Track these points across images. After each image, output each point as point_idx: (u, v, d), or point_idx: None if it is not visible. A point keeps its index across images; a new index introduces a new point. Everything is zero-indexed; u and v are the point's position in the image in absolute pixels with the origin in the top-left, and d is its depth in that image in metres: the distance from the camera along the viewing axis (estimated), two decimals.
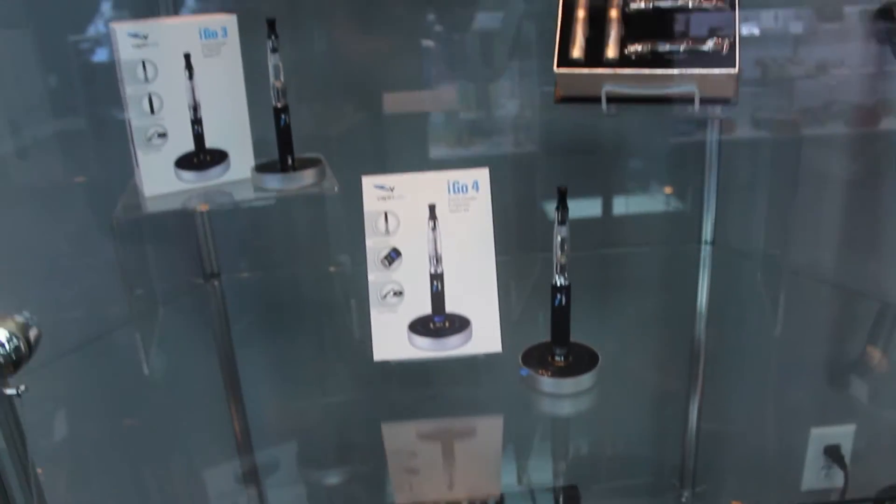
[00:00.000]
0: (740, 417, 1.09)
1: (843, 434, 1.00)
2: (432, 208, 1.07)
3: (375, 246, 1.08)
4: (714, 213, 1.47)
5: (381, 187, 1.08)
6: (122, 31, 1.09)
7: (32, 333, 0.75)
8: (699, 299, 1.36)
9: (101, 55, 1.26)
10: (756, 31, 1.31)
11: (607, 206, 1.54)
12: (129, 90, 1.11)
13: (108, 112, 1.27)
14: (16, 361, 0.73)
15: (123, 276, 1.15)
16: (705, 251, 1.48)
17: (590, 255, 1.46)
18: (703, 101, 1.08)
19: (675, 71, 1.06)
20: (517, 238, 1.41)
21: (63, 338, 1.23)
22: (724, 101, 1.09)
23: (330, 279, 1.45)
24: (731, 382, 1.15)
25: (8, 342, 0.72)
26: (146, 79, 1.12)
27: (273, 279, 1.48)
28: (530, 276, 1.38)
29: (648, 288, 1.42)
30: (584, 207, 1.52)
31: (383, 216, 1.08)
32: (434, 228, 1.07)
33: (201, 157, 1.17)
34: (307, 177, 1.15)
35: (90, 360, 1.25)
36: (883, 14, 1.37)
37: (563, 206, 1.00)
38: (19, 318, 0.75)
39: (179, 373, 1.23)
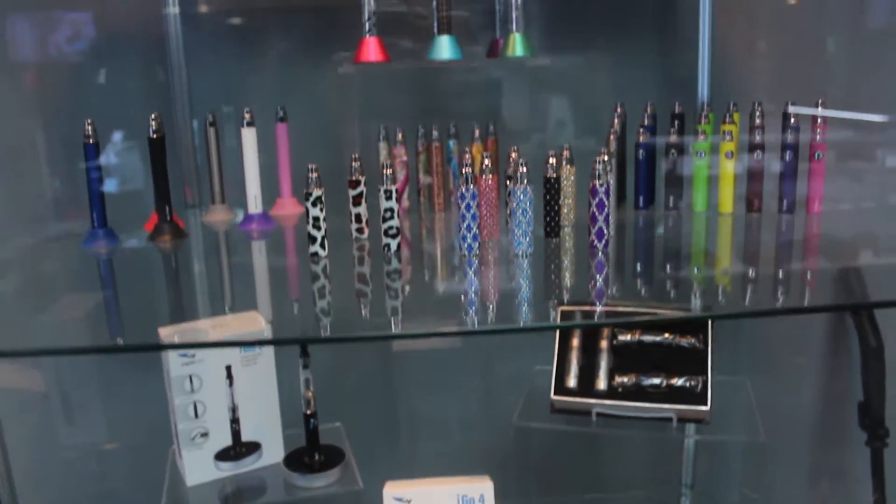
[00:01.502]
0: None
1: None
2: None
3: None
4: (693, 456, 1.63)
5: (400, 499, 1.23)
6: (174, 352, 1.24)
7: None
8: None
9: None
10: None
11: (591, 448, 1.69)
12: (177, 401, 1.26)
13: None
14: None
15: None
16: (686, 495, 1.63)
17: (569, 501, 1.61)
18: (681, 420, 1.25)
19: (656, 405, 1.22)
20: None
21: None
22: (699, 422, 1.25)
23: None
24: None
25: None
26: (192, 389, 1.27)
27: None
28: None
29: None
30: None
31: None
32: None
33: (238, 450, 1.32)
34: (332, 475, 1.30)
35: None
36: (843, 276, 1.55)
37: None
38: None
39: None
